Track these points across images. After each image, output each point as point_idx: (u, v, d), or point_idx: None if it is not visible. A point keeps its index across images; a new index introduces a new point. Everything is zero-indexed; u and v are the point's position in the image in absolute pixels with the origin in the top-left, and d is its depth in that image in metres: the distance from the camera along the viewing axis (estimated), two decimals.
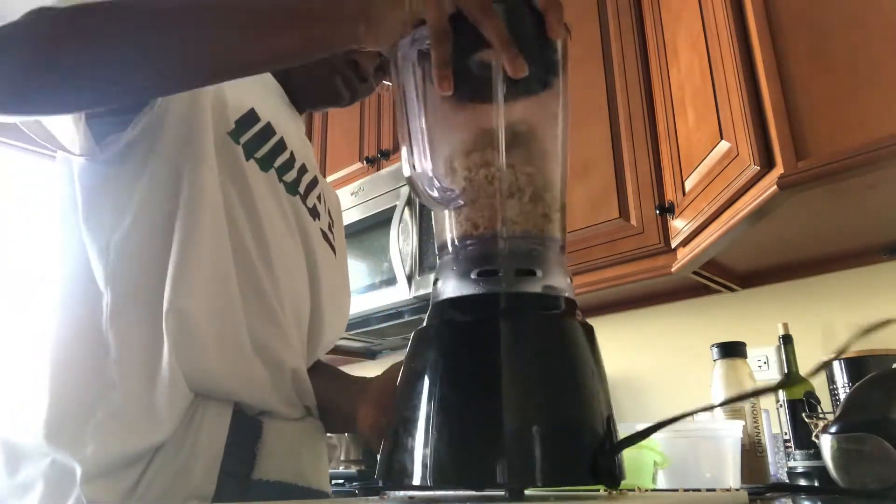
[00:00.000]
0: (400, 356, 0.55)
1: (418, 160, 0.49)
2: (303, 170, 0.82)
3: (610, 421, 0.47)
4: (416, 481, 0.44)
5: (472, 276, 0.48)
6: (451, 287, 0.49)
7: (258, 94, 0.78)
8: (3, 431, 0.66)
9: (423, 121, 0.49)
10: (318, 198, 0.85)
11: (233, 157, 0.71)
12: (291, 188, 0.79)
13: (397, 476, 0.46)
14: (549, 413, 0.44)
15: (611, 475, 0.44)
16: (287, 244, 0.75)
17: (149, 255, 0.65)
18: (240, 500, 0.63)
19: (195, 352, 0.64)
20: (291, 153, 0.80)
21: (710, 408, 0.51)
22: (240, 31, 0.55)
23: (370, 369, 2.35)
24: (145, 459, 0.61)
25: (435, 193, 0.49)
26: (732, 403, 1.17)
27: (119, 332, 0.63)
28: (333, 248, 0.86)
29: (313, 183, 0.84)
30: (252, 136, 0.74)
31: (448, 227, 0.51)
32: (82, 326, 0.65)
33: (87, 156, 0.67)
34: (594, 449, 0.44)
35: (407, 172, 0.50)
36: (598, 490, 0.90)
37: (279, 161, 0.77)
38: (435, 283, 0.51)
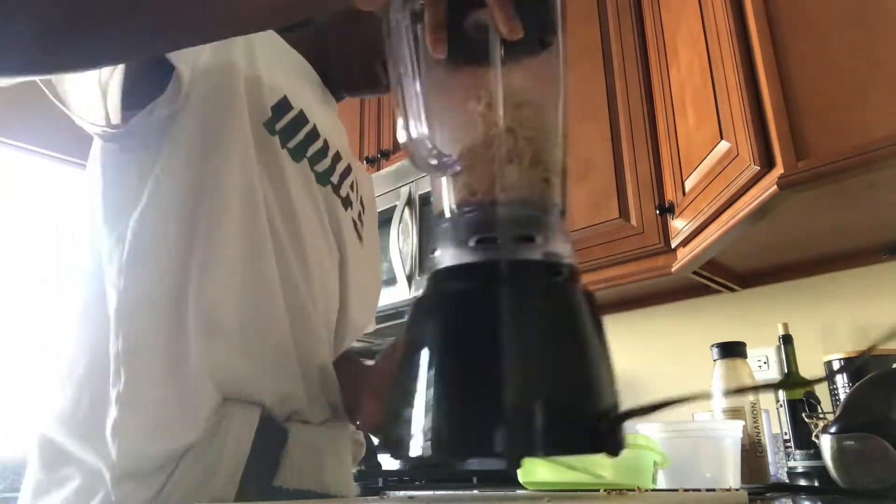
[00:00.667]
0: None
1: (414, 126, 0.48)
2: (337, 157, 0.80)
3: (613, 388, 0.46)
4: (417, 451, 0.43)
5: (471, 243, 0.47)
6: (448, 256, 0.48)
7: (291, 79, 0.77)
8: (43, 427, 0.66)
9: (418, 84, 0.48)
10: (352, 186, 0.83)
11: (268, 147, 0.70)
12: (323, 178, 0.77)
13: (397, 446, 0.45)
14: (551, 380, 0.44)
15: (614, 441, 0.43)
16: (319, 238, 0.74)
17: (166, 247, 0.63)
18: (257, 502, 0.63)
19: (223, 350, 0.63)
20: (325, 141, 0.78)
21: (708, 396, 0.51)
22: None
23: None
24: (173, 462, 0.60)
25: (432, 159, 0.48)
26: (735, 396, 1.17)
27: (136, 328, 0.62)
28: (360, 238, 0.85)
29: (347, 171, 0.82)
30: (285, 124, 0.73)
31: (445, 195, 0.50)
32: (100, 324, 0.63)
33: (112, 128, 0.65)
34: (597, 416, 0.43)
35: (402, 139, 0.48)
36: (598, 490, 0.91)
37: (312, 150, 0.76)
38: (432, 252, 0.50)
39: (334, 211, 0.78)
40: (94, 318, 0.64)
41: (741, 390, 1.17)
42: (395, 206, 1.92)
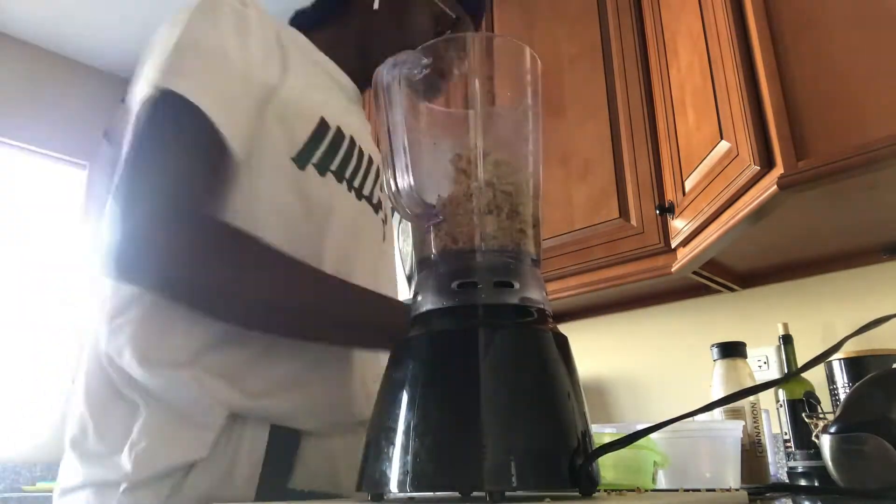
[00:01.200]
0: None
1: (400, 177, 0.51)
2: (370, 162, 0.81)
3: (585, 428, 0.48)
4: (395, 487, 0.44)
5: (453, 286, 0.50)
6: (430, 300, 0.51)
7: (325, 93, 0.78)
8: (68, 438, 0.67)
9: (405, 139, 0.52)
10: (380, 186, 0.84)
11: (300, 179, 0.71)
12: (359, 192, 0.78)
13: (377, 483, 0.46)
14: (527, 419, 0.45)
15: (588, 479, 0.45)
16: (362, 257, 0.76)
17: None
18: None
19: (239, 370, 0.65)
20: (360, 150, 0.79)
21: (695, 413, 0.51)
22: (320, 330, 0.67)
23: None
24: (182, 472, 0.61)
25: (416, 209, 0.52)
26: (727, 404, 1.17)
27: (154, 341, 0.64)
28: (384, 236, 0.86)
29: (377, 173, 0.83)
30: (324, 149, 0.74)
31: (427, 242, 0.54)
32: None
33: None
34: (571, 454, 0.45)
35: (389, 189, 0.52)
36: (598, 490, 0.90)
37: (350, 167, 0.77)
38: (415, 297, 0.53)
39: (371, 224, 0.80)
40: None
41: (736, 395, 1.17)
42: None
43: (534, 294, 0.51)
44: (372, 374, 0.75)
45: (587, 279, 1.56)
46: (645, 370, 1.76)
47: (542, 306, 0.52)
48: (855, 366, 1.20)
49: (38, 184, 3.11)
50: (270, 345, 0.67)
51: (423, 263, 0.54)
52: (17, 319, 2.91)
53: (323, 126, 0.74)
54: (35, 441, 2.78)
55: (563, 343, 0.51)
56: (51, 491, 0.75)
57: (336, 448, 0.71)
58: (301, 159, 0.71)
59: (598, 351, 1.84)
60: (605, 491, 0.69)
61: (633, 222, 1.48)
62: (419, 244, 0.55)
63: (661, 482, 1.02)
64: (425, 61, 0.56)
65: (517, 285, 0.50)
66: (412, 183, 0.51)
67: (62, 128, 3.18)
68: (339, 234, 0.73)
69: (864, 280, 1.45)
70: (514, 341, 0.48)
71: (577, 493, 0.46)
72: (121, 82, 3.41)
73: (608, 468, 0.96)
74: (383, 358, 0.76)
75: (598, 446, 0.47)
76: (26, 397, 2.83)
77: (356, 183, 0.78)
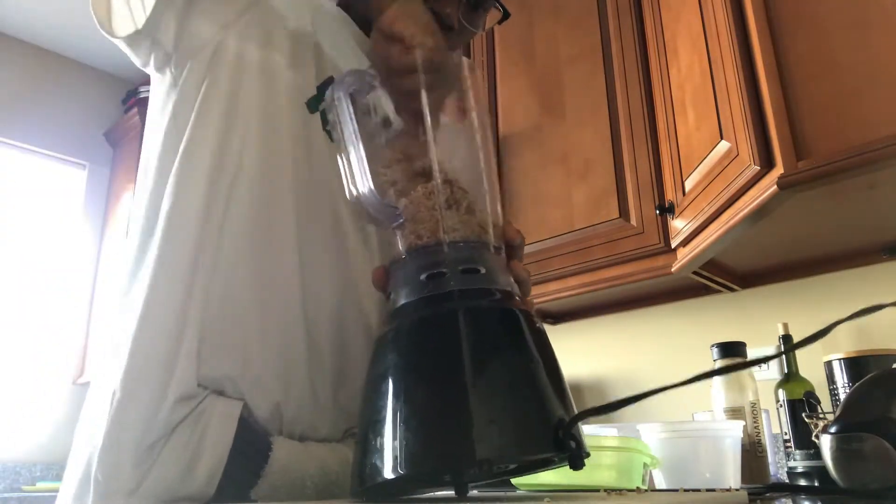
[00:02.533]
0: None
1: (360, 184, 0.56)
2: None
3: (564, 395, 0.50)
4: (389, 473, 0.45)
5: (422, 278, 0.52)
6: (403, 294, 0.53)
7: (353, 63, 0.78)
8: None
9: (361, 150, 0.56)
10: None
11: (309, 133, 0.72)
12: None
13: (370, 476, 0.47)
14: (508, 391, 0.47)
15: (576, 443, 0.46)
16: (361, 242, 0.76)
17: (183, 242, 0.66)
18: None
19: (220, 343, 0.65)
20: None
21: (676, 386, 0.52)
22: None
23: None
24: (156, 449, 0.60)
25: (379, 214, 0.55)
26: (725, 373, 1.17)
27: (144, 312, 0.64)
28: None
29: None
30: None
31: (395, 244, 0.56)
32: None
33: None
34: (554, 420, 0.47)
35: (351, 196, 0.57)
36: (598, 490, 0.91)
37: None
38: (388, 296, 0.56)
39: None
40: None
41: (713, 373, 1.17)
42: None
43: (499, 277, 0.54)
44: (350, 392, 0.73)
45: (587, 279, 1.56)
46: (645, 370, 1.76)
47: (508, 288, 0.54)
48: (855, 366, 1.20)
49: (38, 184, 3.11)
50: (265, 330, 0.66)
51: (394, 265, 0.56)
52: (16, 319, 2.91)
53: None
54: (35, 441, 2.78)
55: (530, 318, 0.53)
56: (51, 491, 0.75)
57: (306, 468, 0.67)
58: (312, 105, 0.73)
59: (598, 351, 1.84)
60: (605, 491, 0.69)
61: (633, 222, 1.48)
62: (387, 247, 0.58)
63: (661, 482, 1.02)
64: (368, 79, 0.61)
65: (483, 270, 0.53)
66: (372, 188, 0.55)
67: (62, 128, 3.19)
68: None
69: (864, 280, 1.45)
70: (488, 319, 0.50)
71: (584, 493, 0.46)
72: (121, 82, 3.41)
73: (604, 469, 0.96)
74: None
75: (593, 446, 0.48)
76: (26, 397, 2.83)
77: None
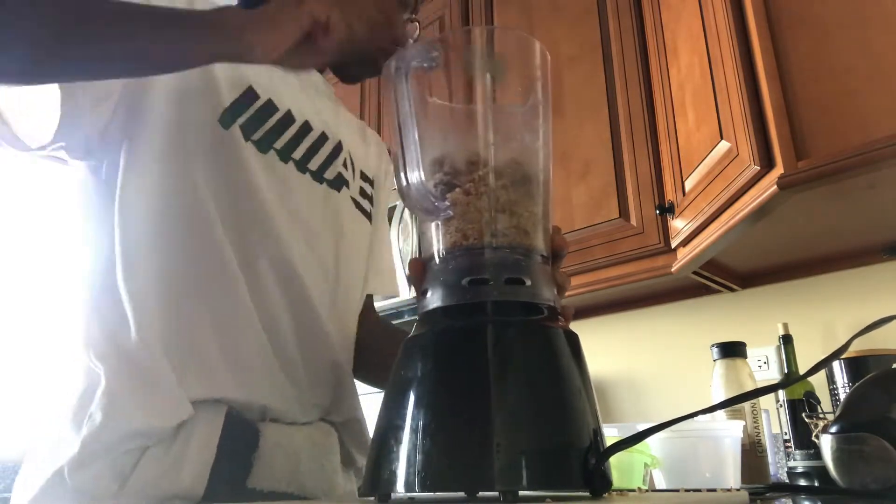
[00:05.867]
0: None
1: (411, 173, 0.51)
2: (322, 139, 0.79)
3: (597, 426, 0.47)
4: (403, 488, 0.44)
5: (463, 283, 0.49)
6: (440, 296, 0.50)
7: (258, 68, 0.75)
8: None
9: (416, 134, 0.51)
10: (345, 164, 0.82)
11: (227, 145, 0.69)
12: (301, 165, 0.76)
13: (386, 483, 0.46)
14: (538, 418, 0.45)
15: (603, 479, 0.45)
16: (297, 233, 0.73)
17: (134, 258, 0.65)
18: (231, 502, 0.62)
19: (187, 353, 0.64)
20: (305, 123, 0.77)
21: (709, 410, 0.51)
22: (144, 36, 0.53)
23: None
24: (135, 454, 0.60)
25: (426, 205, 0.51)
26: (734, 404, 1.18)
27: (107, 323, 0.64)
28: (367, 214, 0.84)
29: (336, 150, 0.81)
30: (250, 115, 0.72)
31: (437, 238, 0.53)
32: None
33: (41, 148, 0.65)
34: (583, 454, 0.45)
35: (399, 184, 0.52)
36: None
37: (285, 138, 0.75)
38: (423, 294, 0.52)
39: (318, 196, 0.77)
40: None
41: (736, 399, 1.17)
42: (395, 206, 1.92)
43: (545, 291, 0.51)
44: (328, 362, 0.74)
45: (587, 279, 1.56)
46: (645, 370, 1.76)
47: (552, 304, 0.51)
48: (855, 366, 1.20)
49: (38, 184, 3.11)
50: (229, 324, 0.66)
51: (431, 260, 0.53)
52: (16, 319, 2.91)
53: (250, 93, 0.72)
54: None
55: (574, 341, 0.50)
56: None
57: (298, 443, 0.69)
58: (225, 121, 0.69)
59: (598, 351, 1.84)
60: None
61: (633, 222, 1.48)
62: (427, 242, 0.54)
63: (661, 482, 1.02)
64: (434, 54, 0.54)
65: (528, 282, 0.50)
66: (423, 178, 0.50)
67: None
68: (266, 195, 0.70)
69: (864, 280, 1.45)
70: (525, 338, 0.48)
71: (586, 494, 0.46)
72: None
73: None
74: (340, 347, 0.75)
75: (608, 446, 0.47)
76: (26, 398, 2.82)
77: (296, 155, 0.76)
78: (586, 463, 0.44)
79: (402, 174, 0.51)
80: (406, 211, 1.89)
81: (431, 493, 0.56)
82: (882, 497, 0.75)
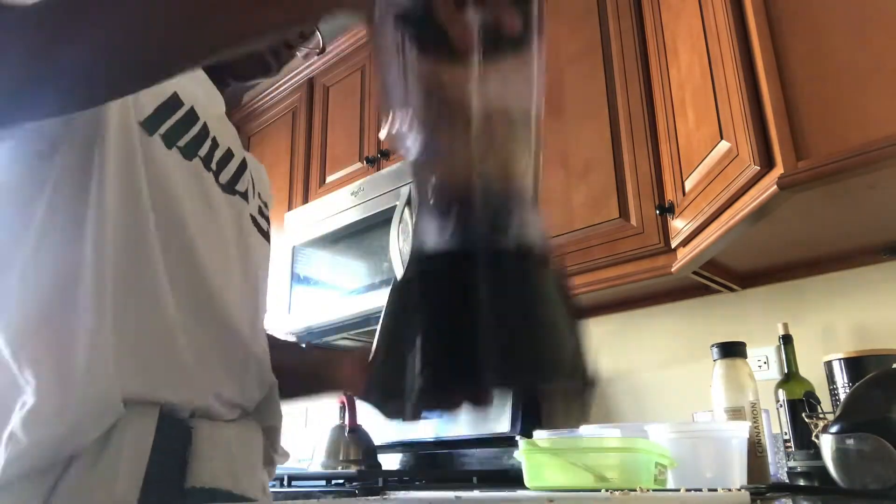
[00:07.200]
0: None
1: (400, 115, 0.51)
2: (228, 155, 0.79)
3: (581, 350, 0.50)
4: (406, 395, 0.46)
5: (450, 224, 0.50)
6: (428, 240, 0.51)
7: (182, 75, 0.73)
8: None
9: (403, 79, 0.50)
10: (249, 181, 0.83)
11: (146, 150, 0.67)
12: (216, 175, 0.76)
13: (384, 400, 0.49)
14: (527, 326, 0.48)
15: (588, 375, 0.48)
16: (213, 236, 0.72)
17: (59, 265, 0.61)
18: None
19: (110, 356, 0.60)
20: (214, 139, 0.76)
21: None
22: (230, 8, 0.51)
23: None
24: (59, 468, 0.57)
25: (414, 149, 0.51)
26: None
27: (27, 329, 0.59)
28: (265, 233, 0.85)
29: (242, 167, 0.81)
30: (174, 123, 0.70)
31: (426, 185, 0.53)
32: None
33: None
34: (569, 353, 0.48)
35: (389, 130, 0.52)
36: (599, 490, 0.91)
37: (204, 149, 0.74)
38: (413, 239, 0.53)
39: (234, 206, 0.77)
40: None
41: None
42: (395, 206, 1.92)
43: (533, 234, 0.51)
44: (257, 354, 0.74)
45: (587, 279, 1.56)
46: (645, 370, 1.76)
47: (541, 245, 0.52)
48: (855, 366, 1.20)
49: None
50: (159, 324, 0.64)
51: (422, 206, 0.53)
52: None
53: (175, 100, 0.71)
54: None
55: (562, 276, 0.52)
56: None
57: (231, 438, 0.68)
58: (148, 126, 0.68)
59: (598, 351, 1.84)
60: (609, 491, 0.70)
61: (633, 222, 1.48)
62: (418, 187, 0.54)
63: (671, 482, 1.02)
64: None
65: (515, 225, 0.51)
66: (412, 121, 0.50)
67: None
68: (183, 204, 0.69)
69: (864, 280, 1.45)
70: (513, 274, 0.49)
71: (589, 493, 0.46)
72: None
73: (610, 469, 0.96)
74: (264, 353, 0.76)
75: (598, 448, 0.48)
76: None
77: (213, 166, 0.75)
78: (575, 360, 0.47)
79: (392, 117, 0.51)
80: (406, 211, 1.89)
81: (430, 493, 0.56)
82: (882, 497, 0.75)
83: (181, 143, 0.71)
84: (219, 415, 0.69)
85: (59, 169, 0.63)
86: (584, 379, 0.48)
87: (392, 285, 0.53)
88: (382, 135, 0.52)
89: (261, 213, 0.86)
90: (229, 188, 0.78)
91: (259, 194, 0.87)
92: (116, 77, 0.52)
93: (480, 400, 0.52)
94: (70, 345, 0.59)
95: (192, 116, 0.73)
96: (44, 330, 0.60)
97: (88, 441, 0.57)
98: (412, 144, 0.51)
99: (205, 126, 0.75)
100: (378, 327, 0.53)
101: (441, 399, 0.46)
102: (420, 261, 0.51)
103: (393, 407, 0.50)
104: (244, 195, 0.81)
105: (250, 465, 0.72)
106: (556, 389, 0.50)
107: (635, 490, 0.75)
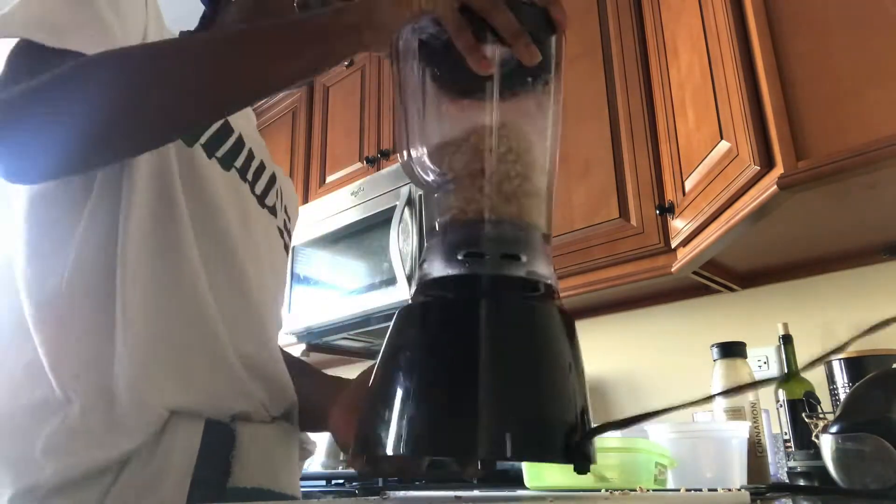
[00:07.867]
0: None
1: (413, 142, 0.51)
2: (261, 168, 0.80)
3: (584, 405, 0.48)
4: (390, 450, 0.44)
5: (459, 256, 0.49)
6: (437, 268, 0.50)
7: None
8: None
9: (420, 105, 0.51)
10: (278, 195, 0.83)
11: (192, 160, 0.68)
12: (251, 187, 0.77)
13: (373, 443, 0.47)
14: (525, 391, 0.45)
15: (584, 457, 0.45)
16: (250, 249, 0.73)
17: (99, 279, 0.61)
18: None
19: (153, 372, 0.61)
20: (250, 150, 0.78)
21: (704, 401, 0.51)
22: (260, 60, 0.59)
23: None
24: (112, 473, 0.58)
25: (428, 177, 0.51)
26: (731, 395, 1.18)
27: (66, 343, 0.60)
28: (287, 248, 0.86)
29: (272, 180, 0.82)
30: (212, 134, 0.71)
31: (437, 211, 0.53)
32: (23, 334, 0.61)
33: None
34: (568, 430, 0.45)
35: (401, 155, 0.52)
36: (599, 490, 0.91)
37: (240, 160, 0.75)
38: (421, 264, 0.53)
39: (261, 220, 0.78)
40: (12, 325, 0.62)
41: (734, 390, 1.17)
42: (395, 206, 1.92)
43: (541, 269, 0.51)
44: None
45: (587, 279, 1.56)
46: (645, 370, 1.76)
47: (549, 282, 0.51)
48: (855, 366, 1.20)
49: None
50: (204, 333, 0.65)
51: (431, 233, 0.53)
52: None
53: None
54: None
55: (568, 321, 0.50)
56: None
57: (270, 438, 0.70)
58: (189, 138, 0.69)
59: (598, 351, 1.84)
60: (609, 491, 0.70)
61: (633, 222, 1.48)
62: (430, 214, 0.54)
63: (671, 482, 1.02)
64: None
65: (525, 258, 0.50)
66: (425, 149, 0.51)
67: None
68: (227, 213, 0.70)
69: (864, 280, 1.45)
70: (516, 313, 0.48)
71: (589, 493, 0.46)
72: None
73: (610, 469, 0.96)
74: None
75: (597, 426, 0.47)
76: None
77: (248, 177, 0.76)
78: (570, 439, 0.44)
79: (405, 148, 0.51)
80: (406, 211, 1.89)
81: (430, 493, 0.56)
82: (882, 497, 0.75)
83: (219, 153, 0.72)
84: (260, 418, 0.70)
85: (98, 185, 0.64)
86: (584, 457, 0.45)
87: (398, 312, 0.52)
88: (401, 156, 0.52)
89: (285, 226, 0.87)
90: (261, 200, 0.79)
91: (286, 208, 0.88)
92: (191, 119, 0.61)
93: (467, 473, 0.52)
94: (110, 359, 0.60)
95: (227, 129, 0.74)
96: (84, 344, 0.60)
97: (136, 445, 0.59)
98: (428, 177, 0.51)
99: (240, 137, 0.76)
100: (379, 356, 0.52)
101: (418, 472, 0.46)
102: (428, 288, 0.51)
103: (372, 470, 0.51)
104: (272, 210, 0.82)
105: (289, 462, 0.73)
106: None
107: (635, 490, 0.75)
